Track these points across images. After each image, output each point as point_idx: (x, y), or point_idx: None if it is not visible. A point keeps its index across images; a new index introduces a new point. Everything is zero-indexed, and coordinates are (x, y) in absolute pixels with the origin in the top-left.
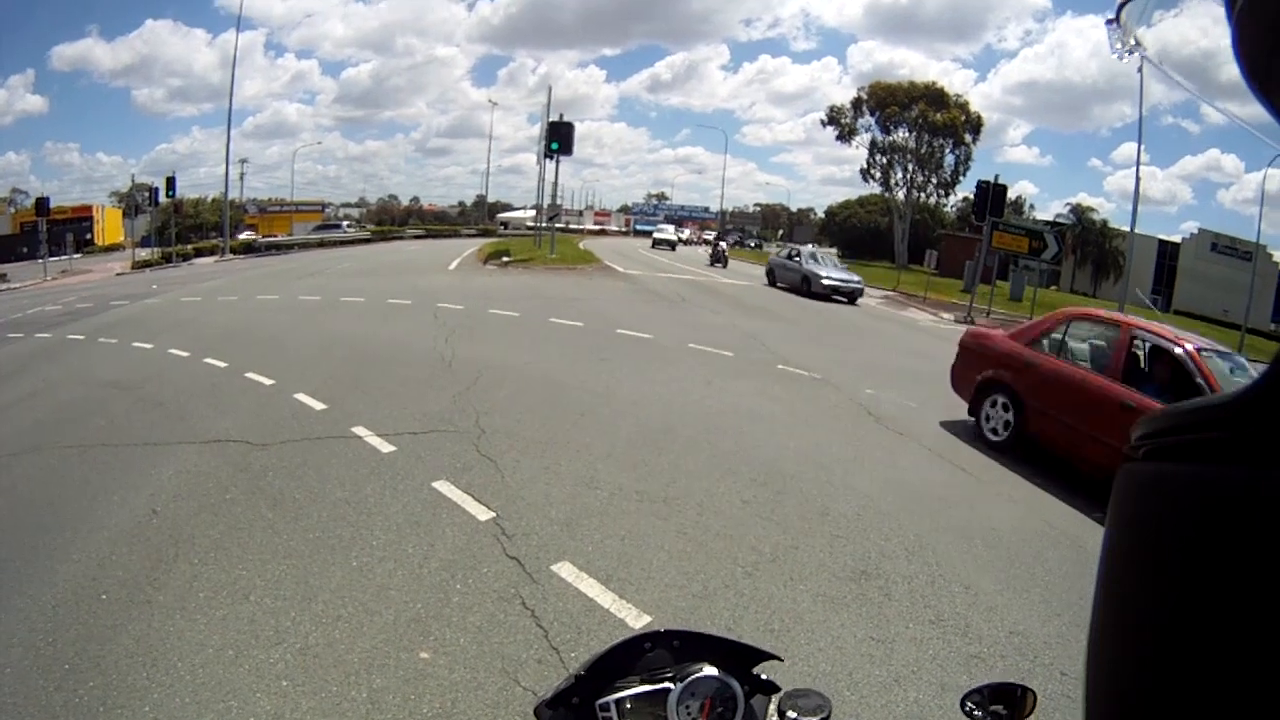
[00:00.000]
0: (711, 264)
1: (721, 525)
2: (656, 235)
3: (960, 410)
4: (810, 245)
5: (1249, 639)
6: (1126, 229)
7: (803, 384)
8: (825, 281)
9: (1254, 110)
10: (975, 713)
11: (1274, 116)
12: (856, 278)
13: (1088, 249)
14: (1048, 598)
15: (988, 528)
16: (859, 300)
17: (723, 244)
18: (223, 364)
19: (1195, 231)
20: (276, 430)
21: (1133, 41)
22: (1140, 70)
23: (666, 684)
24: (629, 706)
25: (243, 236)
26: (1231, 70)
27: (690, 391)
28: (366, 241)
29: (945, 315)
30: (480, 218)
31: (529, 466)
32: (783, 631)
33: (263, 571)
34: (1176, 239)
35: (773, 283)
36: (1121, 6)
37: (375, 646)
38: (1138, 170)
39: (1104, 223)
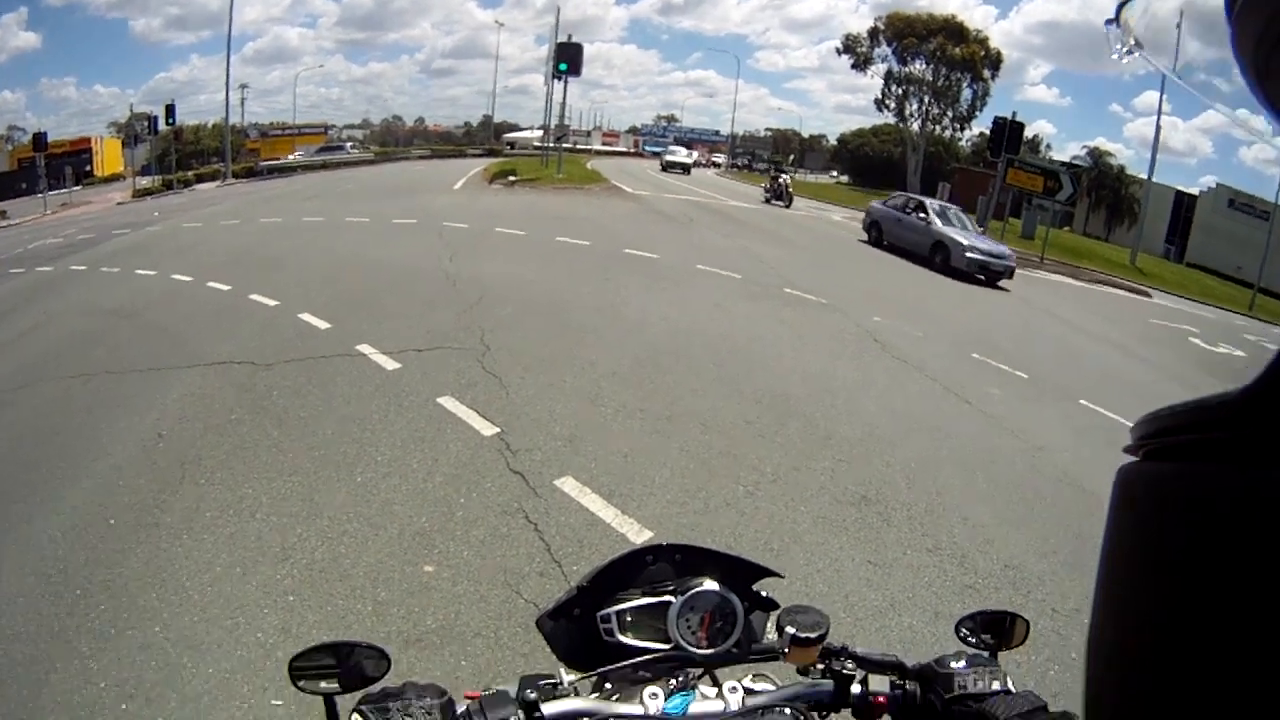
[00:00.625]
0: (769, 201)
1: (724, 444)
2: (668, 158)
3: (969, 345)
4: (935, 201)
5: (1249, 638)
6: (1144, 176)
7: (810, 309)
8: (969, 255)
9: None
10: (969, 638)
11: (1274, 116)
12: (1006, 250)
13: (1103, 193)
14: (1044, 534)
15: (989, 461)
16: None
17: (784, 177)
18: (226, 287)
19: (1214, 186)
20: (281, 350)
21: (1133, 41)
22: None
23: (667, 597)
24: (630, 619)
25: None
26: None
27: (696, 313)
28: (371, 163)
29: None
30: (486, 138)
31: (533, 383)
32: (782, 551)
33: (268, 489)
34: (1194, 191)
35: (876, 240)
36: (1121, 6)
37: (380, 560)
38: (1159, 117)
39: (1121, 168)
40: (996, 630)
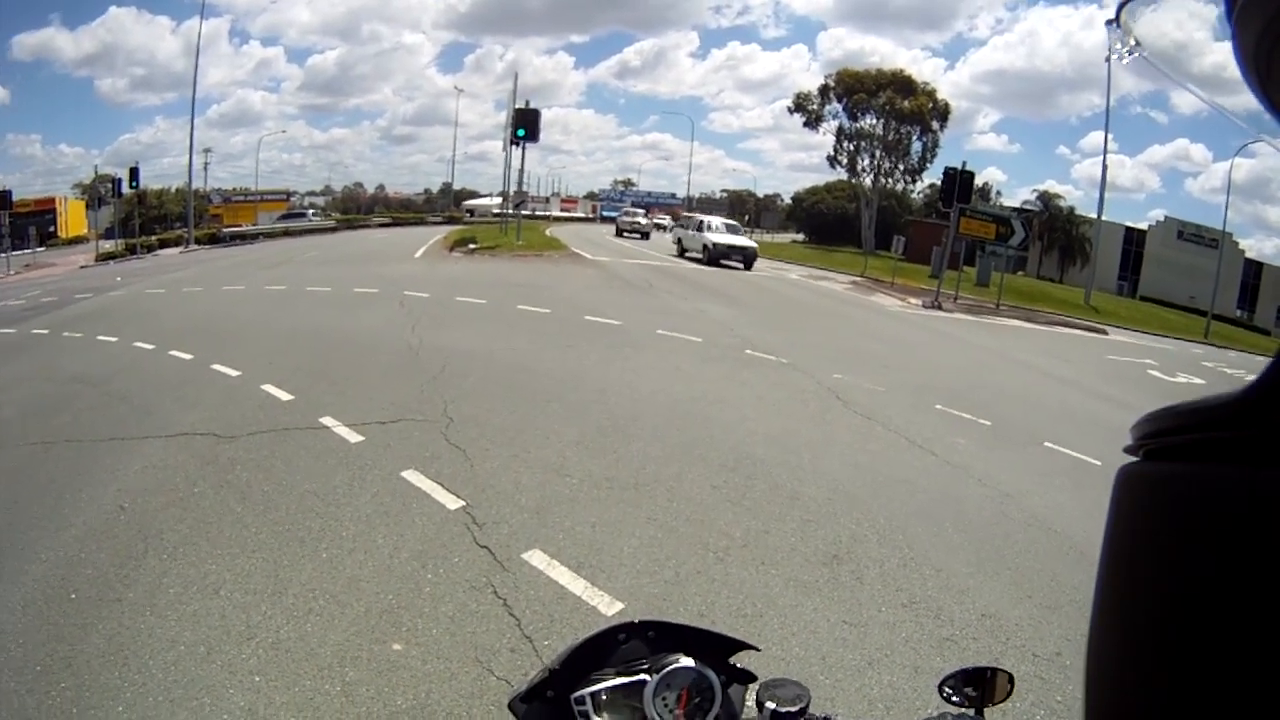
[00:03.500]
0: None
1: (691, 511)
2: (623, 220)
3: (931, 396)
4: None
5: (1249, 638)
6: (1094, 216)
7: (771, 369)
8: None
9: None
10: (952, 697)
11: (1274, 116)
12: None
13: (1055, 235)
14: (1018, 580)
15: (957, 511)
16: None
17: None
18: (188, 356)
19: (1162, 219)
20: (244, 422)
21: (1133, 42)
22: (1108, 60)
23: (643, 675)
24: (605, 698)
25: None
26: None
27: (659, 378)
28: (332, 230)
29: (913, 300)
30: (446, 205)
31: (498, 454)
32: (755, 616)
33: (232, 566)
34: (1143, 226)
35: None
36: (1121, 7)
37: (348, 639)
38: (1104, 157)
39: (1071, 209)
40: (980, 686)
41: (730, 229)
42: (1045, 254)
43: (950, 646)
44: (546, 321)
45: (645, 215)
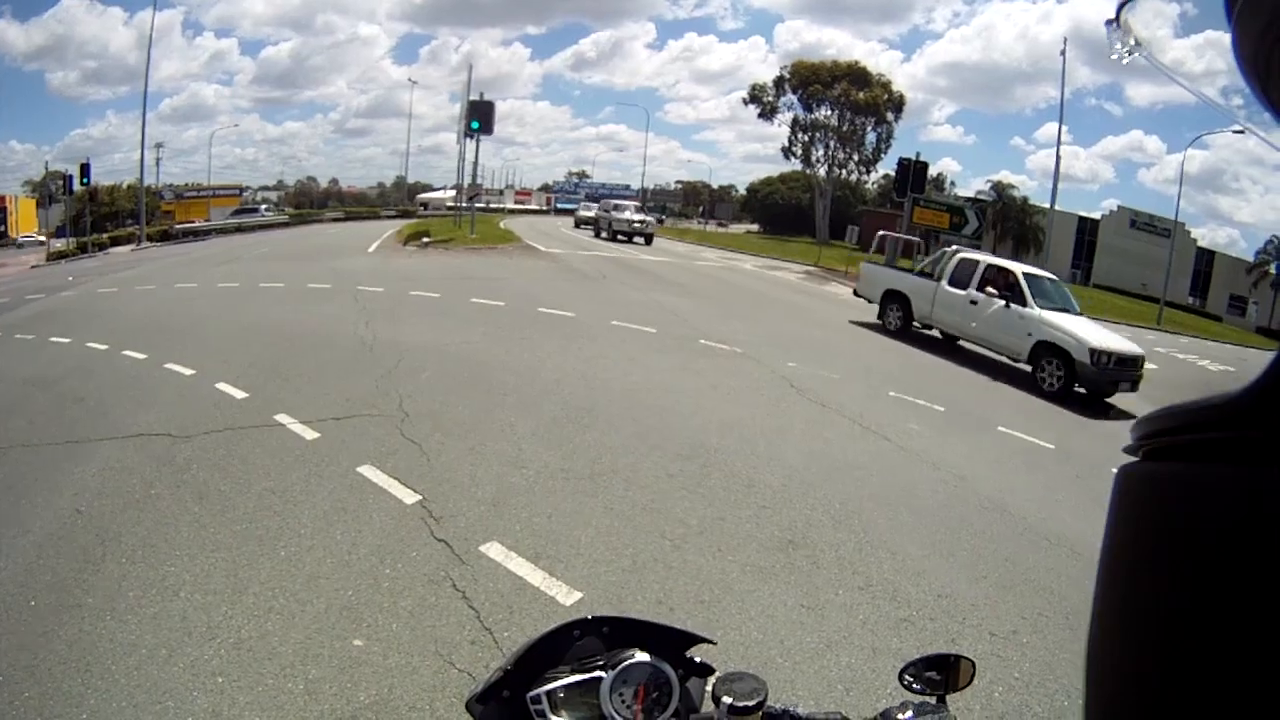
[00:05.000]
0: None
1: (648, 500)
2: (581, 213)
3: (885, 384)
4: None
5: (1250, 638)
6: (1047, 206)
7: (725, 359)
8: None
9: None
10: (913, 685)
11: (1274, 115)
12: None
13: (1008, 224)
14: (974, 561)
15: (912, 495)
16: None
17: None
18: (142, 355)
19: (1115, 209)
20: (199, 421)
21: (1133, 42)
22: (1063, 54)
23: (598, 672)
24: (561, 696)
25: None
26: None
27: (614, 368)
28: (285, 225)
29: None
30: (400, 199)
31: (454, 448)
32: (713, 602)
33: (191, 567)
34: (1097, 215)
35: (597, 233)
36: (1121, 6)
37: (309, 636)
38: (1058, 148)
39: (1025, 199)
40: (943, 672)
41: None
42: (999, 243)
43: (907, 627)
44: (501, 314)
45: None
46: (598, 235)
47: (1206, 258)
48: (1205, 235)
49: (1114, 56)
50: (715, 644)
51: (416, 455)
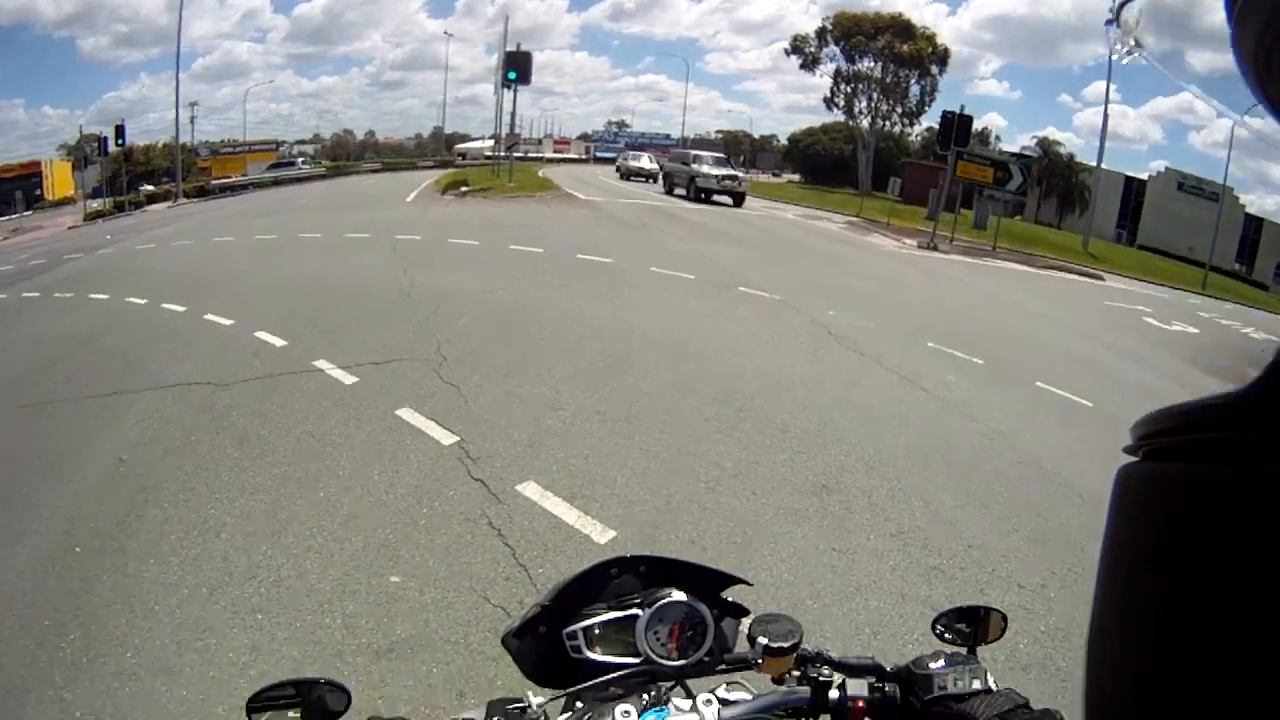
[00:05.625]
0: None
1: (683, 442)
2: (630, 163)
3: (924, 334)
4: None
5: (1250, 639)
6: (1093, 164)
7: (764, 306)
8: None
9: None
10: (945, 635)
11: (1274, 115)
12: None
13: (1054, 181)
14: (1005, 514)
15: (947, 445)
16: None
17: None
18: (181, 308)
19: (1163, 170)
20: (238, 370)
21: (1133, 41)
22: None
23: (634, 610)
24: (597, 633)
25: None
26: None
27: (652, 314)
28: (322, 178)
29: (908, 241)
30: (438, 149)
31: (491, 391)
32: (745, 544)
33: (232, 509)
34: (1144, 176)
35: (669, 189)
36: (1121, 6)
37: (346, 574)
38: (1106, 107)
39: (1071, 157)
40: (973, 624)
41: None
42: (1043, 200)
43: (937, 575)
44: (539, 261)
45: (650, 157)
46: (669, 192)
47: (1255, 224)
48: (1254, 202)
49: (1114, 56)
50: (751, 585)
51: (454, 398)
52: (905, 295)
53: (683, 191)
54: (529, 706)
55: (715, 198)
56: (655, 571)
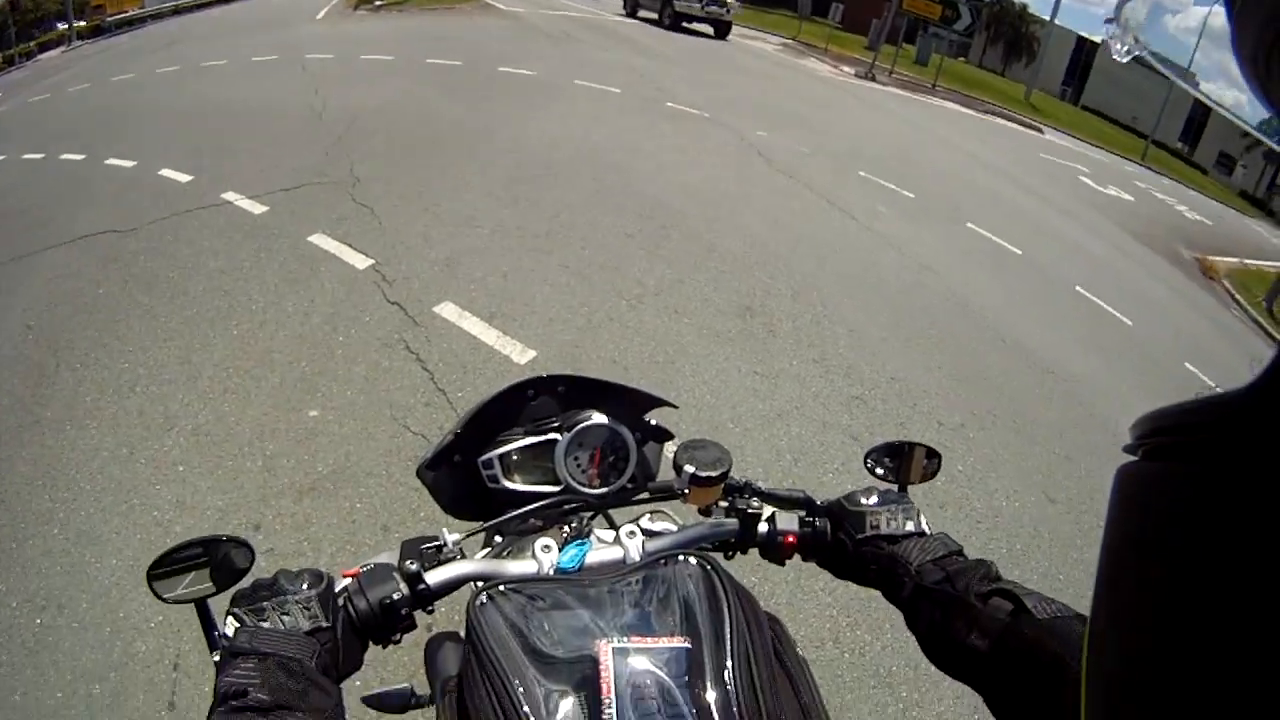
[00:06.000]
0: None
1: (605, 259)
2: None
3: (856, 163)
4: None
5: (1250, 640)
6: (1046, 17)
7: (692, 123)
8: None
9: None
10: (876, 469)
11: (1275, 114)
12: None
13: (1003, 29)
14: (929, 350)
15: (876, 277)
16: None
17: None
18: (80, 156)
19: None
20: (143, 213)
21: (1133, 40)
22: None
23: (553, 434)
24: (515, 460)
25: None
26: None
27: (575, 128)
28: (226, 1)
29: (845, 68)
30: None
31: (407, 211)
32: (667, 364)
33: (145, 360)
34: (1098, 39)
35: (632, 12)
36: (1122, 5)
37: (265, 413)
38: None
39: (1024, 7)
40: (905, 461)
41: None
42: (990, 45)
43: (859, 405)
44: (457, 74)
45: None
46: (633, 14)
47: (1205, 110)
48: (1212, 91)
49: (1115, 56)
50: (676, 408)
51: (369, 219)
52: (839, 123)
53: (652, 16)
54: (445, 544)
55: (694, 25)
56: (575, 393)
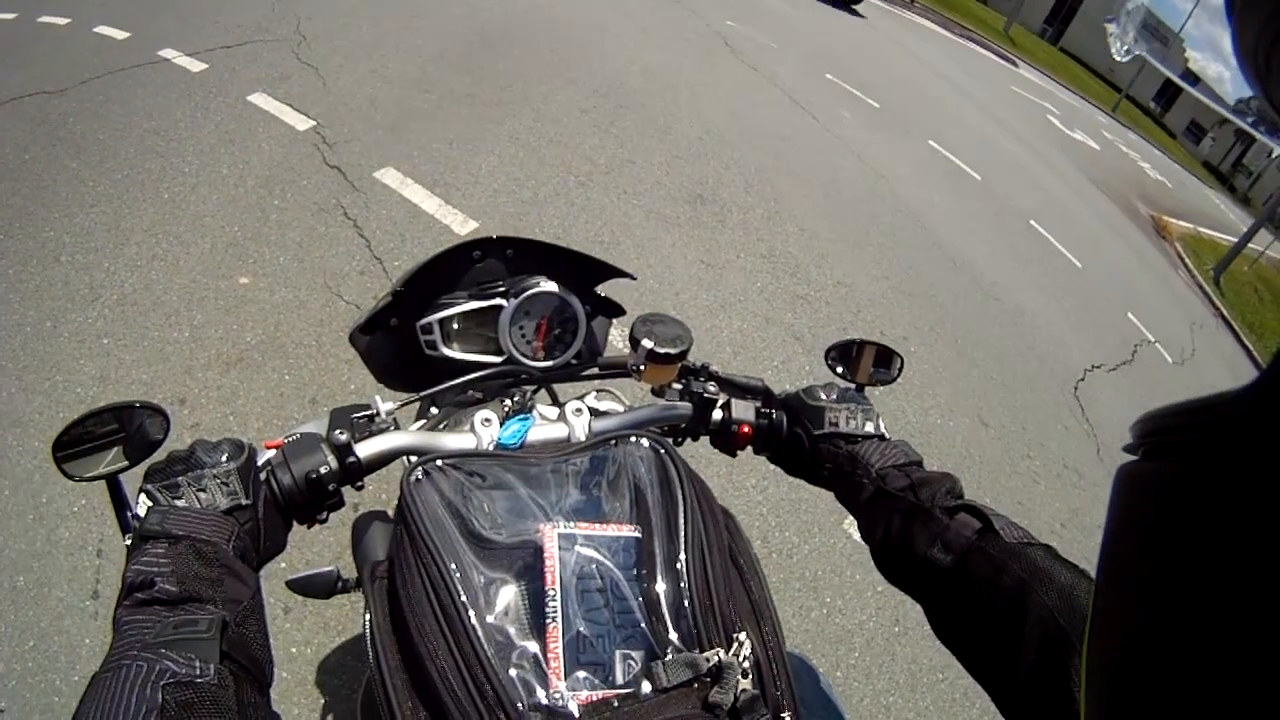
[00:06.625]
0: None
1: (556, 133)
2: None
3: (824, 65)
4: None
5: (1250, 640)
6: None
7: (661, 3)
8: None
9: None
10: (836, 367)
11: (1275, 113)
12: None
13: None
14: (878, 259)
15: (830, 179)
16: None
17: None
18: (11, 16)
19: None
20: (76, 72)
21: (1133, 40)
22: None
23: (498, 300)
24: (456, 327)
25: None
26: None
27: None
28: None
29: None
30: None
31: (353, 71)
32: (612, 244)
33: (70, 227)
34: None
35: None
36: (1122, 5)
37: (193, 280)
38: None
39: None
40: (865, 360)
41: None
42: None
43: (803, 305)
44: None
45: None
46: None
47: (1186, 78)
48: (1198, 59)
49: (1115, 55)
50: (634, 279)
51: (312, 79)
52: (810, 23)
53: None
54: (377, 414)
55: None
56: (524, 257)
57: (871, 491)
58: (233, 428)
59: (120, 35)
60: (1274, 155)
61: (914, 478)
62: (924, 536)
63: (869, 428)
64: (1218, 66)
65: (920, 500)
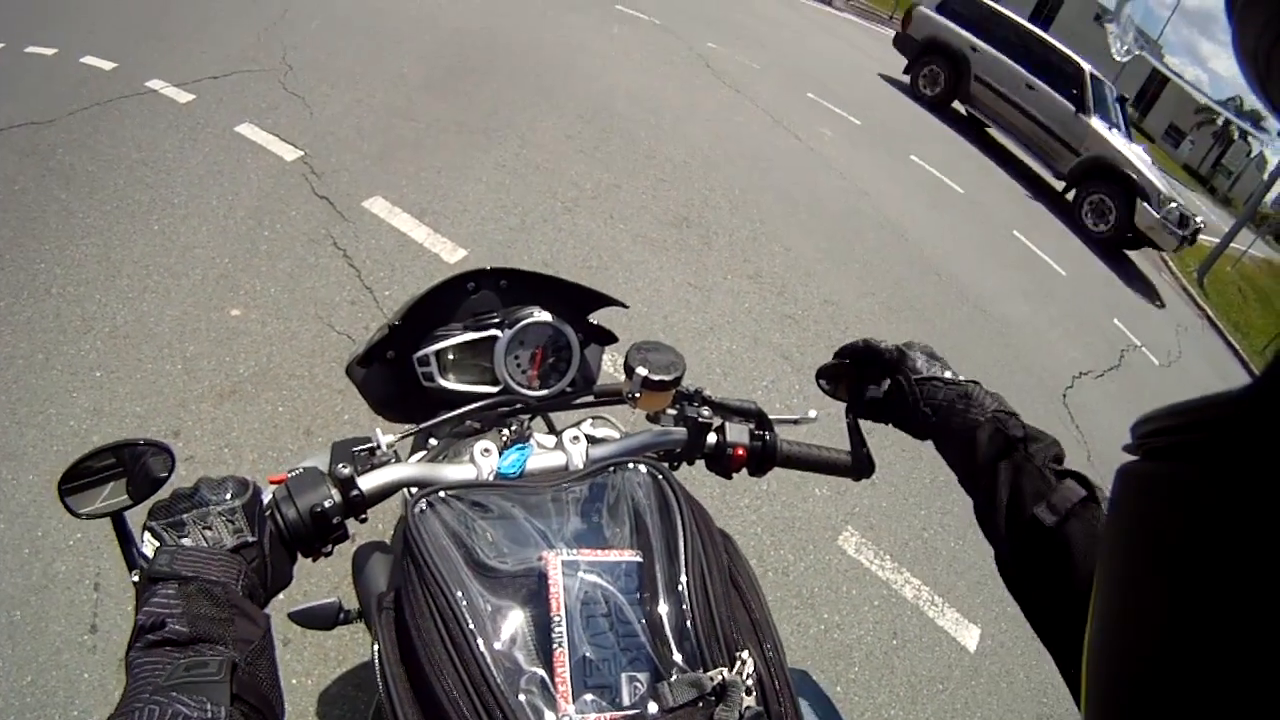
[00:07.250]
0: None
1: (542, 159)
2: None
3: (805, 84)
4: None
5: (1250, 641)
6: None
7: (642, 28)
8: None
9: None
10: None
11: (1276, 114)
12: None
13: None
14: (864, 276)
15: (814, 197)
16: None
17: None
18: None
19: None
20: (63, 103)
21: (1132, 40)
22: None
23: (493, 331)
24: (452, 358)
25: None
26: None
27: (519, 22)
28: None
29: None
30: None
31: (340, 100)
32: (600, 269)
33: (62, 259)
34: None
35: None
36: (1122, 6)
37: (185, 312)
38: None
39: None
40: (833, 383)
41: None
42: None
43: (791, 325)
44: None
45: None
46: None
47: (1161, 80)
48: (1175, 64)
49: (1115, 55)
50: (628, 307)
51: (300, 109)
52: (791, 43)
53: None
54: (378, 447)
55: None
56: (517, 287)
57: (991, 431)
58: (228, 460)
59: (107, 66)
60: (1252, 155)
61: (1028, 429)
62: (1031, 493)
63: (962, 379)
64: (1196, 71)
65: (1032, 455)
